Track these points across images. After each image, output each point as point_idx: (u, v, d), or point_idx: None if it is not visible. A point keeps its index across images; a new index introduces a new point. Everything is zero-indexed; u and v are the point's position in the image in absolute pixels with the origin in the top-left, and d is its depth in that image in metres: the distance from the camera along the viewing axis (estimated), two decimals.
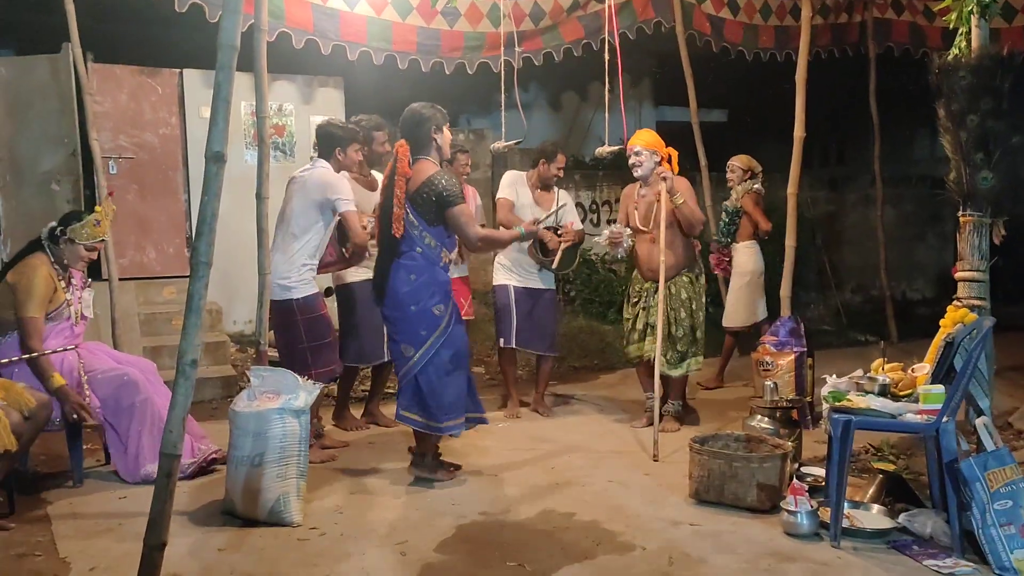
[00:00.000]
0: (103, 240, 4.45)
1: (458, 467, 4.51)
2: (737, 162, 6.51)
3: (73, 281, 4.34)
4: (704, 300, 5.39)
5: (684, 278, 5.27)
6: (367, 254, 4.82)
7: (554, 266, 5.52)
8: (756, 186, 6.48)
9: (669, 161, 5.26)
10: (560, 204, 5.68)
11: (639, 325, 5.30)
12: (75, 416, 4.11)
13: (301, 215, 4.57)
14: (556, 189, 5.78)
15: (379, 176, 5.36)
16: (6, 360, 4.08)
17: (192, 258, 2.88)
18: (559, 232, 5.51)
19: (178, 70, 7.12)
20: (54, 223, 4.31)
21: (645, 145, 5.20)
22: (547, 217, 5.51)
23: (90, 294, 4.47)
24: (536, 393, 5.84)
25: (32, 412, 3.75)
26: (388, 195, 4.23)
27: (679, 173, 5.28)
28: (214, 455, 4.45)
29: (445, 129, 4.31)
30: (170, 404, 2.80)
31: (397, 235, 4.15)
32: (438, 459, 4.43)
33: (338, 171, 4.74)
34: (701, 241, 5.81)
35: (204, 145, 2.87)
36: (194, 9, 5.44)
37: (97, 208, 4.35)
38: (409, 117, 4.27)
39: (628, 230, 5.26)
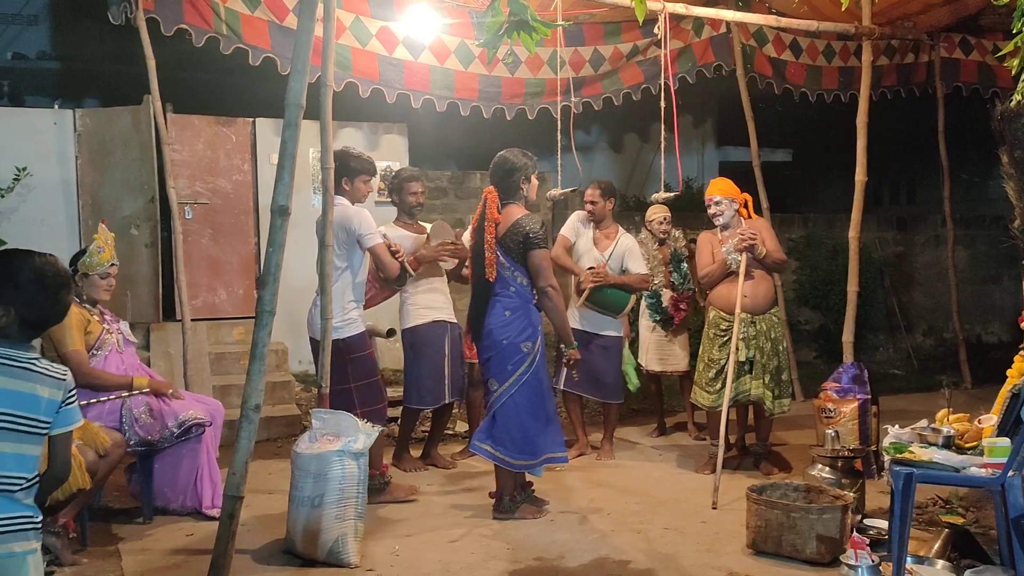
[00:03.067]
0: (114, 264, 4.49)
1: (545, 502, 4.63)
2: (662, 212, 6.19)
3: (106, 316, 4.52)
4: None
5: (774, 317, 5.23)
6: (409, 275, 4.90)
7: (579, 303, 5.52)
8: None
9: (746, 206, 5.27)
10: (617, 247, 5.64)
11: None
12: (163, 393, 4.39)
13: (333, 256, 4.57)
14: (619, 232, 5.75)
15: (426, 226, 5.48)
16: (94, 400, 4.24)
17: (257, 307, 3.01)
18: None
19: (251, 119, 7.42)
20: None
21: (723, 193, 5.21)
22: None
23: (125, 325, 4.65)
24: (603, 437, 5.83)
25: (106, 450, 3.93)
26: (479, 239, 4.43)
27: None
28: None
29: (533, 177, 4.50)
30: (235, 447, 2.91)
31: (491, 279, 4.35)
32: (519, 498, 4.53)
33: (353, 202, 4.71)
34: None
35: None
36: (267, 61, 5.70)
37: (95, 236, 4.49)
38: (500, 164, 4.46)
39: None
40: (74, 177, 7.01)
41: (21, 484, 2.28)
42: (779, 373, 5.19)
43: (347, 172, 4.69)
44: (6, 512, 2.26)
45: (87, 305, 4.41)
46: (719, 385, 5.12)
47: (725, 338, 5.13)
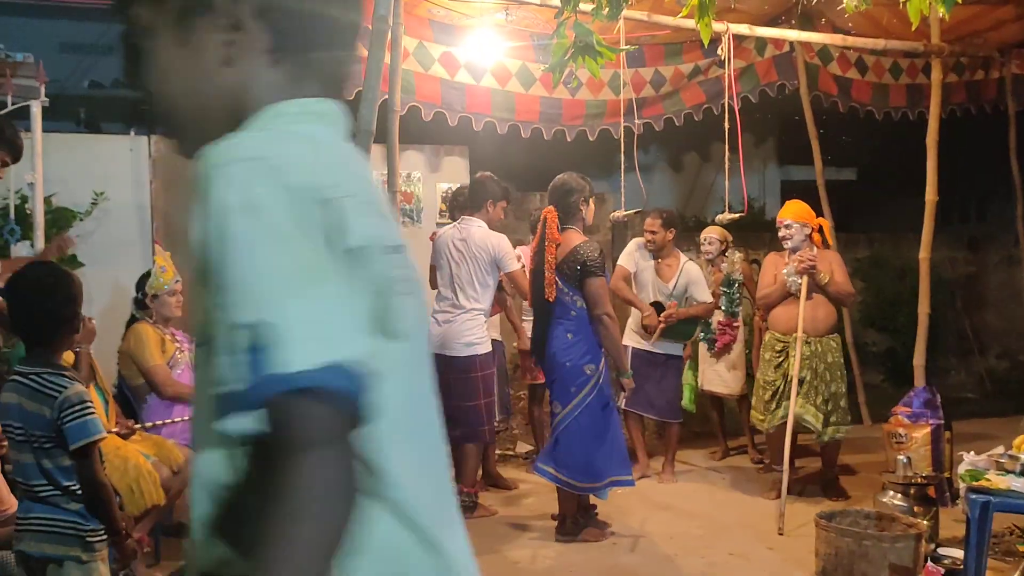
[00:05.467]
0: (178, 281, 4.59)
1: (608, 525, 4.60)
2: (714, 234, 6.13)
3: (178, 335, 4.65)
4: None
5: (832, 342, 5.14)
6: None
7: (651, 342, 5.49)
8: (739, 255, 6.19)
9: (820, 231, 5.19)
10: (681, 277, 5.59)
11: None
12: None
13: (476, 276, 4.76)
14: (681, 260, 5.69)
15: None
16: (169, 420, 4.37)
17: None
18: (665, 309, 5.48)
19: None
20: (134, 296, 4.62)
21: (795, 217, 5.14)
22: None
23: None
24: (664, 459, 5.78)
25: (180, 467, 4.04)
26: (539, 260, 4.46)
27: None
28: None
29: (591, 201, 4.54)
30: None
31: (549, 299, 4.37)
32: (582, 521, 4.52)
33: (490, 224, 4.90)
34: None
35: None
36: None
37: (155, 258, 4.65)
38: (560, 187, 4.51)
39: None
40: (148, 201, 7.24)
41: (49, 491, 2.39)
42: (837, 398, 5.08)
43: (492, 195, 4.93)
44: (37, 514, 2.39)
45: (160, 325, 4.56)
46: (775, 406, 5.07)
47: (780, 359, 5.10)
